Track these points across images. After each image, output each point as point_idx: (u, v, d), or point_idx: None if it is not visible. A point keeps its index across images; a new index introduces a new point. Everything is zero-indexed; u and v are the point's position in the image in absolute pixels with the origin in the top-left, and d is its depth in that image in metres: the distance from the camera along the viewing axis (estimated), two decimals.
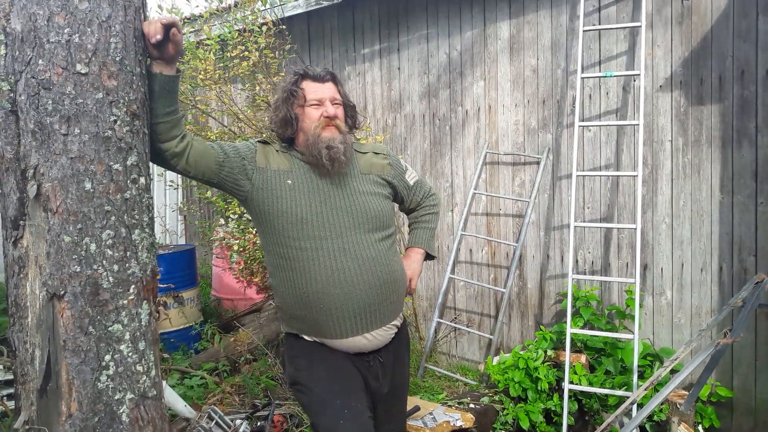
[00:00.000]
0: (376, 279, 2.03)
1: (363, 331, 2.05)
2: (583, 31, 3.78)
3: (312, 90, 2.08)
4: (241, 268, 4.60)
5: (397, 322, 2.20)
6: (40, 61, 1.56)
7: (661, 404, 3.22)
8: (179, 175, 6.27)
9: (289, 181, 2.04)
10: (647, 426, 3.50)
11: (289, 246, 2.00)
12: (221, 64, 4.65)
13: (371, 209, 2.08)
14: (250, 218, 4.48)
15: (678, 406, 3.25)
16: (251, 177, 2.04)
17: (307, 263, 1.99)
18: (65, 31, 1.56)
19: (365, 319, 2.04)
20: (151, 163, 1.86)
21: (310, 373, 2.04)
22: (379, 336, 2.10)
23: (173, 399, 2.84)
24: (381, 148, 2.28)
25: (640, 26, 3.58)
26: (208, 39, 4.57)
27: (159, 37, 1.69)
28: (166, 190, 6.87)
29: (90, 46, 1.59)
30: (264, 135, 4.56)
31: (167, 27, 1.71)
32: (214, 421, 2.83)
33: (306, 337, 2.10)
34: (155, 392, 1.73)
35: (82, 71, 1.58)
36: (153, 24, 1.71)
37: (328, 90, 2.10)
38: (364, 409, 1.98)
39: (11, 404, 2.93)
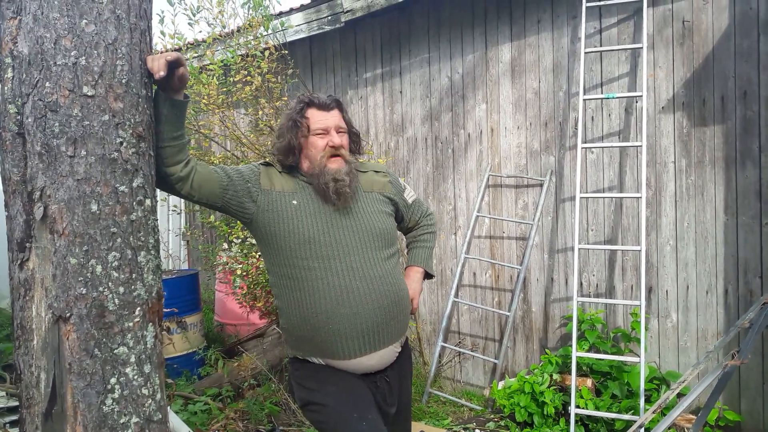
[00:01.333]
0: (384, 298, 2.03)
1: (371, 350, 2.03)
2: (585, 53, 3.81)
3: (317, 119, 2.07)
4: (244, 293, 4.58)
5: (402, 341, 2.19)
6: (47, 84, 1.57)
7: (669, 428, 3.17)
8: (182, 200, 6.29)
9: (295, 202, 2.04)
10: None
11: (297, 266, 1.99)
12: (224, 89, 4.68)
13: (376, 227, 2.08)
14: (253, 242, 4.48)
15: (686, 430, 3.21)
16: (256, 199, 2.03)
17: (315, 283, 1.98)
18: (72, 53, 1.58)
19: (373, 338, 2.03)
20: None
21: (322, 391, 2.01)
22: (386, 356, 2.09)
23: (177, 424, 2.80)
24: (381, 167, 2.30)
25: (642, 47, 3.61)
26: (211, 64, 4.61)
27: (162, 74, 1.70)
28: (169, 215, 6.87)
29: (96, 68, 1.60)
30: (267, 158, 4.58)
31: (171, 64, 1.72)
32: None
33: (313, 360, 2.08)
34: (160, 416, 1.71)
35: (89, 93, 1.59)
36: (157, 60, 1.71)
37: (333, 118, 2.09)
38: (381, 422, 1.96)
39: (15, 431, 2.89)
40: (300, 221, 2.01)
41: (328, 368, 2.06)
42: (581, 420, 3.56)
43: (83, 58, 1.58)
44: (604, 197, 3.90)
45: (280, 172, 2.12)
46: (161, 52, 1.79)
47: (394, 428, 2.18)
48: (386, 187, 2.24)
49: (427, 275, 2.40)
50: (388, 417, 2.12)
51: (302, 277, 1.99)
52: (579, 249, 3.72)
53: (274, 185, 2.07)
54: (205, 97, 4.55)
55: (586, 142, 3.94)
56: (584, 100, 3.84)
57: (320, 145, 2.06)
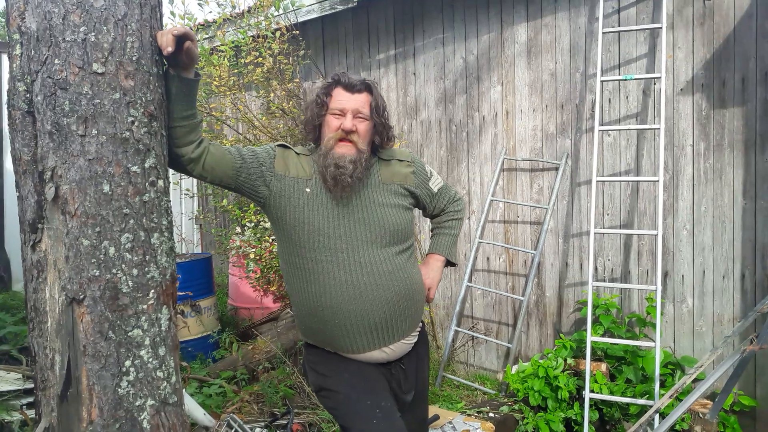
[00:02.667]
0: (393, 294, 1.96)
1: (380, 346, 1.99)
2: (603, 33, 3.73)
3: (339, 98, 1.99)
4: (257, 276, 4.58)
5: (416, 332, 2.14)
6: (56, 61, 1.53)
7: (684, 413, 3.15)
8: (195, 184, 6.28)
9: (308, 190, 1.98)
10: None
11: (305, 257, 1.95)
12: (235, 71, 4.65)
13: (389, 222, 2.00)
14: (266, 226, 4.47)
15: (701, 415, 3.18)
16: (269, 183, 1.98)
17: (322, 276, 1.93)
18: (81, 29, 1.54)
19: (382, 334, 1.98)
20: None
21: (335, 377, 1.99)
22: (397, 349, 2.05)
23: (192, 407, 2.81)
24: (406, 155, 2.18)
25: (661, 27, 3.53)
26: (222, 45, 4.57)
27: (170, 49, 1.64)
28: (182, 199, 6.88)
29: (106, 45, 1.56)
30: (280, 141, 4.55)
31: (179, 38, 1.66)
32: (234, 430, 2.80)
33: (323, 346, 2.06)
34: (176, 399, 1.70)
35: (99, 71, 1.55)
36: (165, 35, 1.65)
37: (355, 102, 1.98)
38: (395, 410, 1.93)
39: (31, 413, 2.92)
40: (311, 211, 1.95)
41: (340, 355, 2.03)
42: (595, 404, 3.54)
43: (92, 34, 1.54)
44: (620, 181, 3.84)
45: (298, 154, 2.06)
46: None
47: (411, 413, 2.16)
48: (408, 178, 2.13)
49: (449, 263, 2.33)
50: (404, 403, 2.10)
51: (309, 269, 1.95)
52: (594, 233, 3.68)
53: (288, 170, 2.01)
54: (216, 78, 4.52)
55: (603, 125, 3.87)
56: (601, 81, 3.77)
57: (333, 126, 1.98)
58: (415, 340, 2.14)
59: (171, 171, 1.84)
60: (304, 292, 1.97)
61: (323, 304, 1.94)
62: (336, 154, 1.96)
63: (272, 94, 4.58)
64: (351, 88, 1.99)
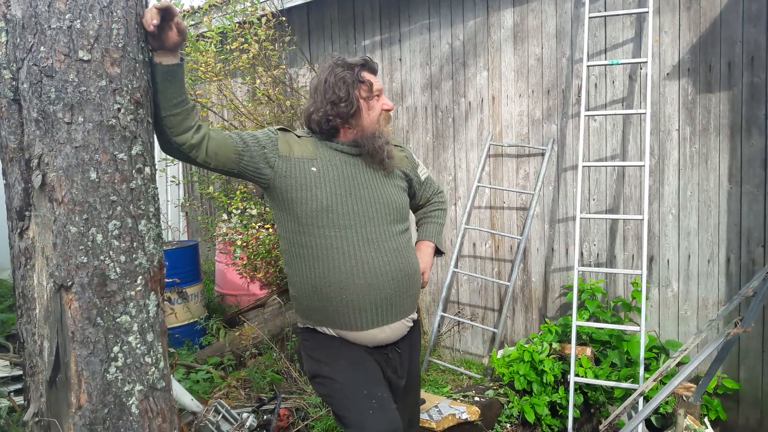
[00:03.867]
0: (398, 271, 2.02)
1: (383, 323, 2.02)
2: (589, 17, 3.74)
3: (374, 80, 2.07)
4: (244, 263, 4.58)
5: (414, 315, 2.18)
6: (42, 48, 1.52)
7: (668, 397, 3.20)
8: (181, 171, 6.24)
9: (314, 169, 2.01)
10: (653, 419, 3.48)
11: (313, 234, 1.97)
12: (221, 57, 4.61)
13: (394, 201, 2.07)
14: (253, 214, 4.47)
15: (684, 398, 3.23)
16: (273, 164, 1.99)
17: (330, 252, 1.96)
18: (66, 16, 1.53)
19: (386, 310, 2.01)
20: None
21: (331, 365, 2.00)
22: (397, 329, 2.08)
23: (180, 392, 2.82)
24: (398, 141, 2.26)
25: (648, 12, 3.54)
26: (209, 31, 4.53)
27: (156, 21, 1.62)
28: (168, 186, 6.83)
29: (92, 32, 1.55)
30: (265, 127, 4.53)
31: (162, 11, 1.64)
32: (221, 415, 2.81)
33: (324, 330, 2.06)
34: (164, 384, 1.71)
35: (85, 58, 1.55)
36: (148, 11, 1.66)
37: (380, 82, 2.11)
38: (390, 400, 1.95)
39: (19, 399, 2.91)
40: (319, 189, 1.98)
41: (339, 340, 2.04)
42: (580, 388, 3.58)
43: (78, 21, 1.54)
44: (606, 166, 3.87)
45: (299, 137, 2.08)
46: None
47: (405, 398, 2.19)
48: (403, 161, 2.22)
49: (438, 251, 2.38)
50: (398, 389, 2.13)
51: (317, 245, 1.97)
52: (580, 218, 3.71)
53: (293, 151, 2.03)
54: (203, 65, 4.48)
55: (589, 110, 3.89)
56: (588, 66, 3.78)
57: (379, 108, 2.07)
58: (412, 324, 2.18)
59: (157, 158, 1.83)
60: (310, 270, 1.99)
61: (331, 279, 1.96)
62: (386, 133, 2.08)
63: (258, 81, 4.55)
64: (375, 71, 2.10)
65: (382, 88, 2.10)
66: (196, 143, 1.85)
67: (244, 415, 2.87)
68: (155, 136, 1.82)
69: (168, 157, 2.07)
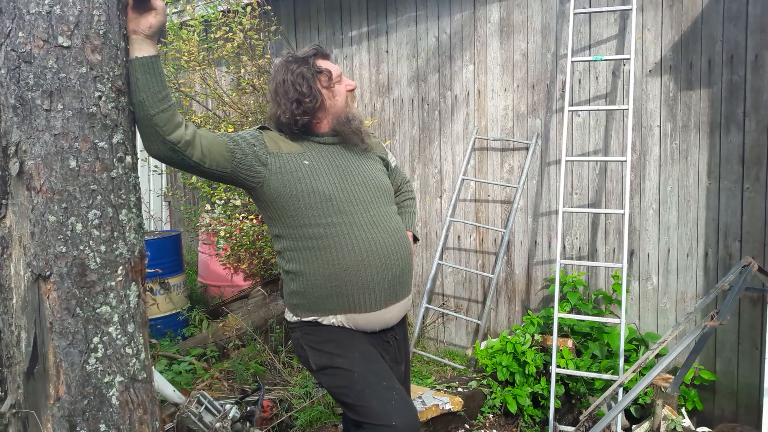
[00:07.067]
0: (403, 249, 2.09)
1: (394, 301, 2.08)
2: (574, 14, 3.75)
3: (330, 66, 2.08)
4: (228, 254, 4.55)
5: (411, 295, 2.24)
6: (20, 33, 1.50)
7: (647, 387, 3.25)
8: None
9: (306, 162, 2.02)
10: (632, 409, 3.53)
11: (319, 224, 1.98)
12: (205, 46, 4.57)
13: (384, 183, 2.15)
14: (237, 204, 4.44)
15: (663, 389, 3.28)
16: (266, 162, 1.98)
17: (341, 238, 1.98)
18: (46, 1, 1.51)
19: (396, 288, 2.08)
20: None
21: (345, 356, 1.98)
22: (402, 308, 2.15)
23: (162, 384, 2.80)
24: (368, 128, 2.32)
25: (631, 9, 3.56)
26: (192, 20, 4.49)
27: None
28: (150, 176, 6.77)
29: (72, 18, 1.53)
30: (250, 119, 4.50)
31: None
32: (204, 406, 2.80)
33: (332, 321, 2.03)
34: (145, 375, 1.70)
35: (65, 44, 1.52)
36: None
37: (336, 65, 2.12)
38: (406, 393, 2.00)
39: None
40: (317, 180, 2.00)
41: (348, 331, 2.03)
42: (562, 379, 3.62)
43: (58, 6, 1.52)
44: (589, 161, 3.90)
45: (280, 134, 2.08)
46: None
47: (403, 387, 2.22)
48: (378, 146, 2.30)
49: (414, 239, 2.43)
50: (399, 377, 2.15)
51: (326, 234, 1.97)
52: (563, 212, 3.74)
53: (281, 147, 2.03)
54: (186, 54, 4.43)
55: (573, 105, 3.91)
56: (572, 62, 3.80)
57: (343, 91, 2.10)
58: (410, 304, 2.24)
59: (139, 147, 1.80)
60: (322, 259, 1.98)
61: (347, 263, 1.97)
62: (357, 114, 2.13)
63: (243, 70, 4.52)
64: (327, 56, 2.12)
65: (340, 71, 2.11)
66: (190, 139, 1.78)
67: (227, 406, 2.86)
68: (143, 141, 1.76)
69: None
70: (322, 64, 2.06)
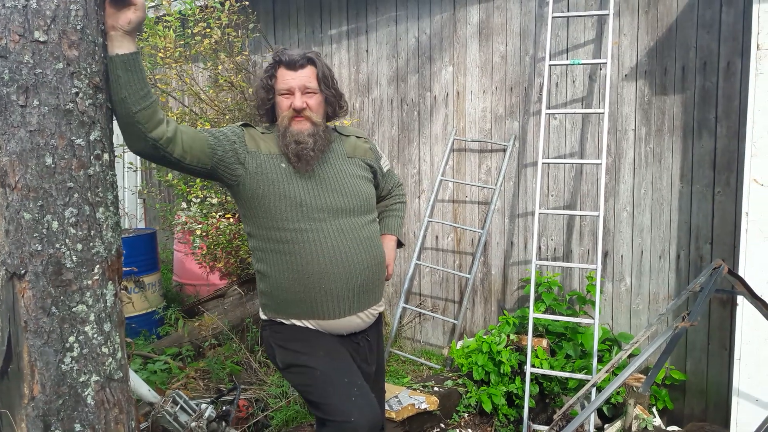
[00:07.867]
0: (372, 259, 2.08)
1: (358, 310, 2.07)
2: (552, 17, 3.80)
3: (284, 78, 2.02)
4: (204, 253, 4.51)
5: (382, 302, 2.24)
6: None
7: (620, 387, 3.30)
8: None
9: (283, 165, 2.03)
10: (605, 408, 3.59)
11: (287, 229, 1.99)
12: (182, 42, 4.52)
13: (362, 192, 2.12)
14: (213, 203, 4.40)
15: (635, 389, 3.33)
16: (244, 161, 2.00)
17: (307, 245, 1.98)
18: None
19: (361, 297, 2.07)
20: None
21: (309, 354, 2.01)
22: (369, 316, 2.14)
23: (137, 383, 2.77)
24: (362, 133, 2.32)
25: (608, 14, 3.62)
26: (168, 15, 4.43)
27: None
28: (125, 173, 6.67)
29: (49, 12, 1.50)
30: (227, 117, 4.47)
31: None
32: (179, 406, 2.78)
33: (296, 322, 2.06)
34: (121, 375, 1.68)
35: (41, 39, 1.50)
36: None
37: (300, 78, 2.01)
38: (369, 389, 2.00)
39: None
40: (290, 184, 2.00)
41: (314, 331, 2.06)
42: (536, 379, 3.66)
43: (34, 0, 1.49)
44: (565, 163, 3.95)
45: (262, 133, 2.09)
46: None
47: (373, 385, 2.22)
48: (368, 153, 2.25)
49: (399, 244, 2.43)
50: (369, 376, 2.16)
51: (293, 239, 1.98)
52: (539, 214, 3.78)
53: (260, 148, 2.04)
54: (162, 50, 4.38)
55: (550, 108, 3.96)
56: (550, 65, 3.84)
57: (284, 106, 2.03)
58: (381, 311, 2.23)
59: (116, 144, 1.78)
60: (287, 263, 2.00)
61: (310, 270, 1.98)
62: (294, 131, 2.01)
63: (220, 67, 4.48)
64: (293, 65, 2.01)
65: (294, 86, 2.01)
66: (172, 136, 1.79)
67: (203, 405, 2.84)
68: (124, 138, 1.76)
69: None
70: (280, 73, 2.03)
